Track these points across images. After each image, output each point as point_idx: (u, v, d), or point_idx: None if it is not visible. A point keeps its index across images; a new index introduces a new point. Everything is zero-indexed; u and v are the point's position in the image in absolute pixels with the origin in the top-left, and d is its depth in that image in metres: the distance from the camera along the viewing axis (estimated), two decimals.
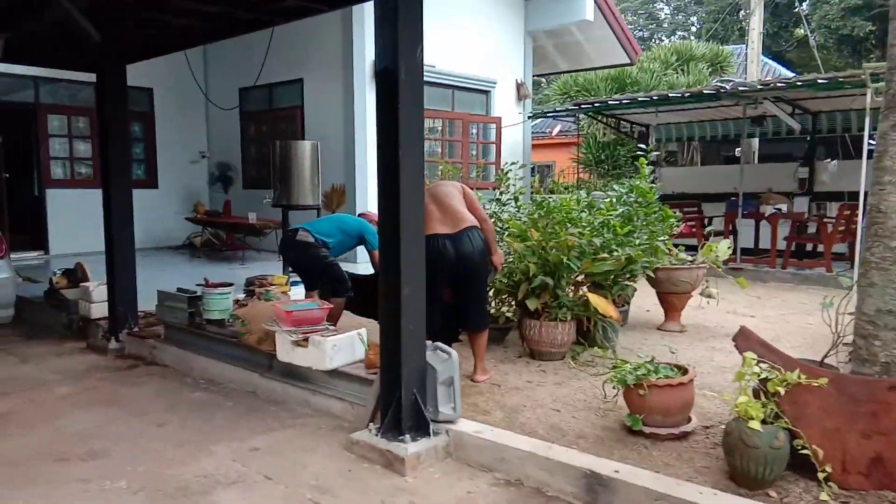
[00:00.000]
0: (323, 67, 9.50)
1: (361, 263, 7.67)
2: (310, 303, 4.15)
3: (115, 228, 5.53)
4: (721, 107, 10.72)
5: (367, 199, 9.28)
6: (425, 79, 10.45)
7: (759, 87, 8.51)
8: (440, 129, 10.04)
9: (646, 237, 5.04)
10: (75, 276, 6.33)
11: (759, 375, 3.06)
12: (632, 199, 5.42)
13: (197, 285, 4.98)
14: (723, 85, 8.28)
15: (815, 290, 8.45)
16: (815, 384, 2.95)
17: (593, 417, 3.82)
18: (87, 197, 9.98)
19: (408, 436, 3.34)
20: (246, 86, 10.62)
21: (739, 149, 14.29)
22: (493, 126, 10.76)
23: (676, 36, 35.09)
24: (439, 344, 3.61)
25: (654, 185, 5.39)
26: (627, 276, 4.89)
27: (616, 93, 18.86)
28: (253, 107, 10.71)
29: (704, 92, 9.03)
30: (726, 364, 4.92)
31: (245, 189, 10.95)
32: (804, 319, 6.60)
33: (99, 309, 5.75)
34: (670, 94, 9.39)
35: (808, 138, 11.17)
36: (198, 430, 3.82)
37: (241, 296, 4.93)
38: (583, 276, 4.86)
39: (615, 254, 4.75)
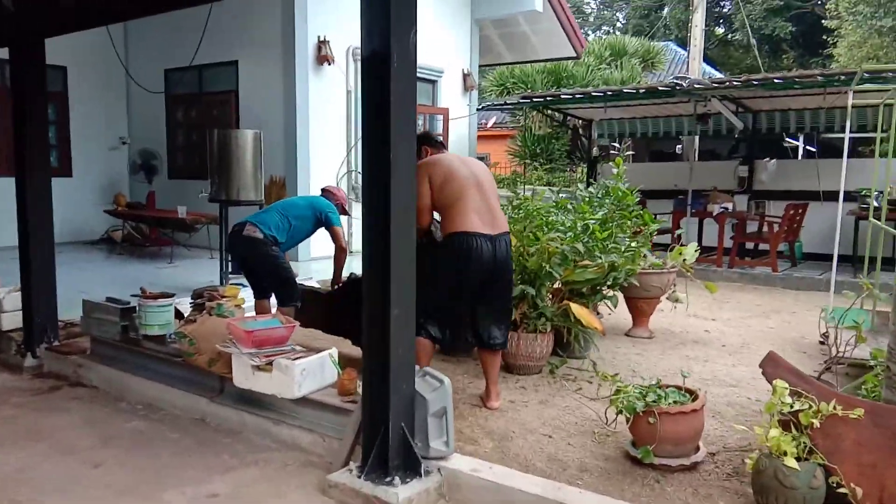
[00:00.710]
0: (260, 48, 8.82)
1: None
2: (271, 319, 3.65)
3: (31, 225, 4.82)
4: (666, 103, 10.68)
5: (309, 190, 8.71)
6: None
7: (716, 84, 8.43)
8: None
9: (627, 242, 4.76)
10: None
11: (791, 406, 2.80)
12: (606, 202, 5.14)
13: (132, 296, 4.37)
14: (679, 81, 8.16)
15: (763, 289, 8.50)
16: (852, 416, 2.71)
17: (590, 444, 3.51)
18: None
19: (396, 477, 2.92)
20: (173, 67, 9.80)
21: (680, 146, 14.47)
22: (441, 117, 10.34)
23: (602, 31, 35.57)
24: (428, 369, 3.20)
25: (629, 188, 5.11)
26: (608, 284, 4.60)
27: (552, 86, 18.79)
28: (181, 90, 9.90)
29: (660, 88, 8.90)
30: (707, 376, 4.73)
31: (171, 179, 10.13)
32: (764, 323, 6.54)
33: (10, 319, 5.02)
34: (625, 90, 9.25)
35: (745, 137, 11.29)
36: (141, 471, 3.27)
37: (185, 308, 4.36)
38: (560, 285, 4.54)
39: (598, 260, 4.45)
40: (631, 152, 18.97)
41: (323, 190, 5.01)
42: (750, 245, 10.07)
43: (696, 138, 12.73)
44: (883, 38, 16.02)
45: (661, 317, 6.09)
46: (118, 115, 10.54)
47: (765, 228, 9.74)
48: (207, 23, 8.30)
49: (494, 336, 3.88)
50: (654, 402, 3.16)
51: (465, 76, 10.88)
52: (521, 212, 4.83)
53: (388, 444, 2.96)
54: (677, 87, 8.18)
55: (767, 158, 11.23)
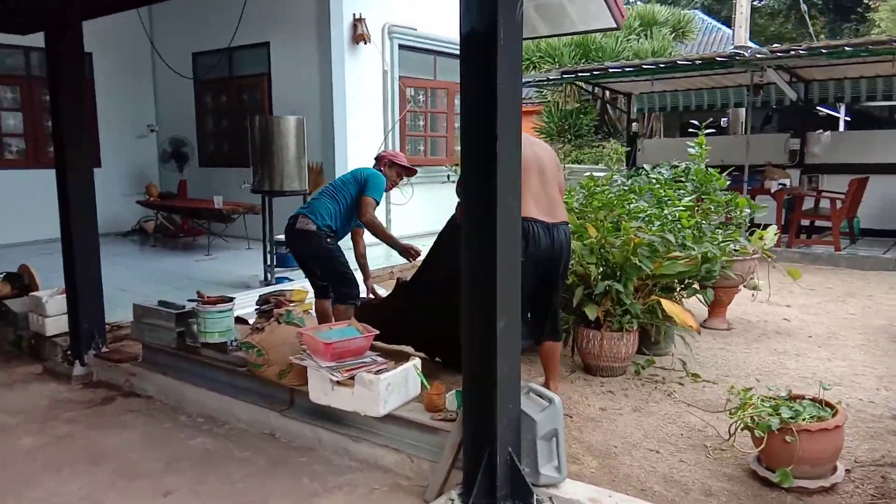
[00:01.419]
0: (293, 29, 8.44)
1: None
2: (349, 328, 3.33)
3: (75, 223, 4.54)
4: (714, 75, 10.19)
5: None
6: (406, 43, 9.60)
7: (780, 54, 7.92)
8: (424, 99, 9.14)
9: (713, 230, 4.38)
10: (21, 281, 5.28)
11: None
12: (687, 186, 4.75)
13: (189, 300, 4.07)
14: (740, 52, 7.68)
15: (827, 269, 8.06)
16: None
17: (706, 461, 3.16)
18: (20, 179, 8.76)
19: None
20: (201, 50, 9.45)
21: (726, 119, 13.92)
22: None
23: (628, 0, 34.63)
24: (534, 385, 2.86)
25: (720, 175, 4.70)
26: (701, 277, 4.22)
27: (581, 59, 18.23)
28: (210, 74, 9.54)
29: (717, 59, 8.41)
30: (804, 373, 4.36)
31: (202, 167, 9.83)
32: (843, 308, 6.14)
33: (55, 324, 4.76)
34: (679, 62, 8.76)
35: (781, 109, 10.75)
36: (216, 499, 2.98)
37: (245, 315, 4.05)
38: (647, 279, 4.17)
39: (690, 252, 4.08)
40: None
41: (376, 157, 4.65)
42: (805, 222, 9.61)
43: (743, 111, 12.21)
44: None
45: (734, 305, 5.71)
46: (145, 102, 10.22)
47: (822, 204, 9.28)
48: (245, 5, 7.93)
49: (555, 327, 3.76)
50: (790, 418, 2.80)
51: None
52: (593, 199, 4.46)
53: (494, 470, 2.64)
54: (737, 58, 7.70)
55: (821, 130, 10.71)
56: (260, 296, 3.71)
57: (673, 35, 20.17)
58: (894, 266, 7.86)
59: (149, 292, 6.01)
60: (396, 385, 3.13)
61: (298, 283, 6.25)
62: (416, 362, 3.26)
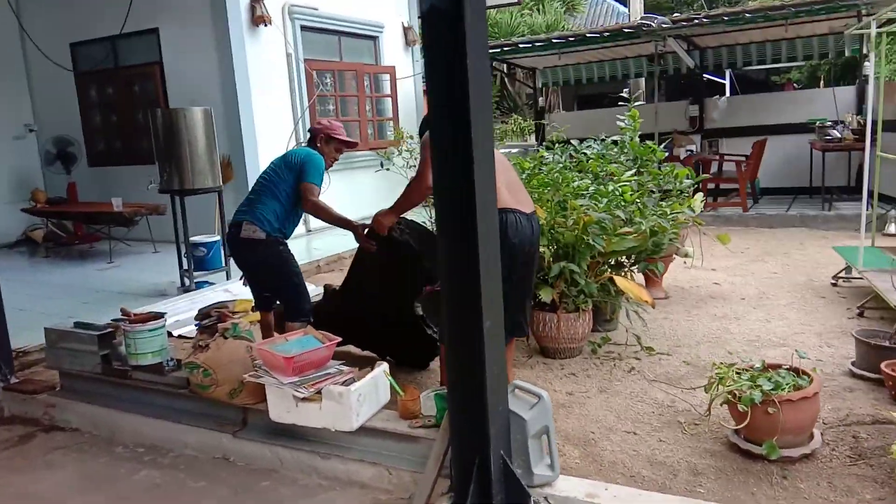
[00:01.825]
0: (185, 13, 7.83)
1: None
2: (307, 339, 3.06)
3: None
4: (617, 46, 10.36)
5: (259, 169, 7.90)
6: (308, 24, 9.16)
7: (702, 20, 8.06)
8: (332, 82, 8.76)
9: (666, 204, 4.38)
10: None
11: None
12: (622, 159, 4.73)
13: (115, 320, 3.66)
14: (648, 21, 7.79)
15: (738, 230, 8.34)
16: None
17: (684, 438, 3.14)
18: None
19: None
20: (81, 39, 8.64)
21: (627, 90, 14.23)
22: (387, 77, 9.63)
23: None
24: (519, 382, 2.73)
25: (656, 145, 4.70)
26: (651, 251, 4.22)
27: None
28: (92, 65, 8.75)
29: (624, 30, 8.51)
30: (750, 336, 4.47)
31: (92, 167, 9.04)
32: (764, 267, 6.38)
33: None
34: (588, 35, 8.80)
35: (697, 75, 11.13)
36: None
37: (188, 330, 3.68)
38: (598, 257, 4.12)
39: (640, 227, 4.05)
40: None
41: (310, 130, 4.12)
42: (710, 186, 9.99)
43: (643, 80, 12.52)
44: None
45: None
46: (19, 98, 9.25)
47: (725, 167, 9.67)
48: None
49: (522, 323, 3.47)
50: (771, 389, 2.80)
51: (406, 30, 10.16)
52: (533, 179, 4.35)
53: (488, 476, 2.48)
54: (644, 28, 7.82)
55: (717, 96, 11.15)
56: (199, 310, 3.36)
57: (564, 9, 20.51)
58: (799, 222, 8.28)
59: (53, 310, 5.46)
60: (367, 394, 2.91)
61: (221, 288, 5.86)
62: (384, 367, 3.05)
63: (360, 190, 9.20)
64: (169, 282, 6.12)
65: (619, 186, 4.21)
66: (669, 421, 3.32)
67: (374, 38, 9.64)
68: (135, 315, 3.55)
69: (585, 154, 4.97)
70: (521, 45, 9.54)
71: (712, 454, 2.98)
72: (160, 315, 3.54)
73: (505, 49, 9.84)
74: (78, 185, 8.75)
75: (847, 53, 10.30)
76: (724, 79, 17.80)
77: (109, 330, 3.69)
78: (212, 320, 3.22)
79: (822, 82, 17.82)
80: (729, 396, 2.90)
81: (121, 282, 6.48)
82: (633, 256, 4.29)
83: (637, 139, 4.75)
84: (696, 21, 8.02)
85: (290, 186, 3.82)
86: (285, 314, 3.86)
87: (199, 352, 3.16)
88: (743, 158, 8.95)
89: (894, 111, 8.84)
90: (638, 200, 4.34)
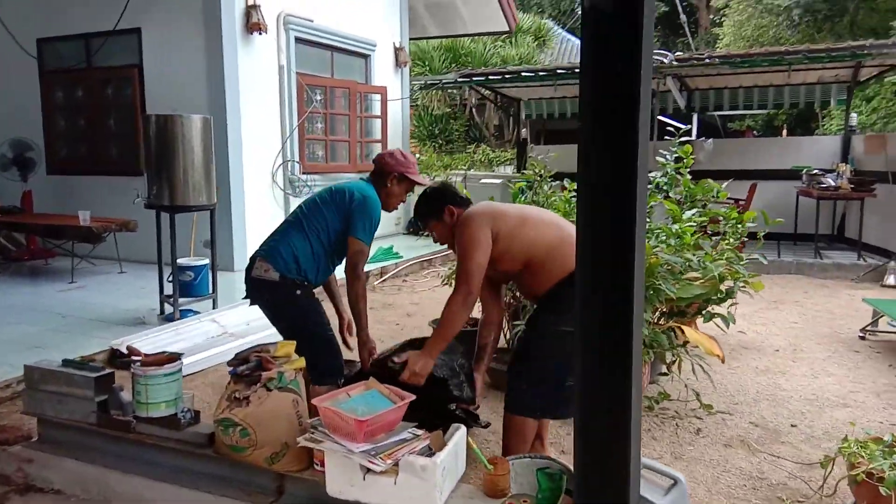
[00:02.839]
0: (173, 14, 7.24)
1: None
2: (373, 394, 2.56)
3: None
4: None
5: (244, 188, 7.35)
6: (303, 36, 8.66)
7: (713, 59, 7.95)
8: (322, 99, 8.26)
9: (727, 248, 4.06)
10: None
11: None
12: (675, 196, 4.41)
13: (122, 357, 3.08)
14: (659, 58, 7.61)
15: None
16: None
17: None
18: None
19: None
20: (50, 35, 7.92)
21: None
22: (378, 98, 9.19)
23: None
24: (648, 462, 2.29)
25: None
26: (718, 299, 3.88)
27: (450, 64, 18.01)
28: (61, 64, 8.03)
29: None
30: (805, 393, 4.16)
31: (51, 175, 8.25)
32: (782, 316, 6.17)
33: None
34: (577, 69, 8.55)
35: (687, 115, 11.12)
36: None
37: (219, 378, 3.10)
38: (663, 304, 3.76)
39: (710, 272, 3.71)
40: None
41: (376, 161, 3.36)
42: None
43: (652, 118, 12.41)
44: (771, 17, 16.62)
45: None
46: None
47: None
48: None
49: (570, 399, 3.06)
50: None
51: (398, 51, 9.77)
52: None
53: None
54: (659, 64, 7.64)
55: (704, 138, 11.12)
56: (236, 354, 2.81)
57: (535, 43, 20.55)
58: (795, 269, 8.18)
59: (14, 337, 4.80)
60: (449, 467, 2.43)
61: (209, 318, 5.26)
62: (462, 432, 2.57)
63: None
64: (148, 308, 5.46)
65: (683, 227, 3.87)
66: (768, 497, 2.94)
67: (366, 57, 9.21)
68: (145, 356, 2.97)
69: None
70: (524, 74, 9.26)
71: None
72: (177, 357, 2.97)
73: (491, 77, 9.57)
74: (35, 195, 7.95)
75: (832, 104, 10.44)
76: (684, 123, 18.02)
77: (108, 372, 3.09)
78: (250, 366, 2.68)
79: (784, 131, 18.28)
80: (862, 476, 2.54)
81: (89, 306, 5.77)
82: (695, 305, 3.93)
83: (689, 177, 4.44)
84: (707, 60, 7.90)
85: (331, 227, 3.18)
86: (311, 377, 3.18)
87: (235, 405, 2.61)
88: (741, 201, 8.83)
89: (883, 162, 8.91)
90: (694, 243, 4.00)
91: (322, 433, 2.43)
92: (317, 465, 2.60)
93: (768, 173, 10.08)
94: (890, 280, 7.37)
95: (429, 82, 11.51)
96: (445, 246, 3.13)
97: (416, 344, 3.23)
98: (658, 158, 4.79)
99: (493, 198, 4.76)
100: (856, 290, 7.17)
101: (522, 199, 4.40)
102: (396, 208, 3.36)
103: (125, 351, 4.36)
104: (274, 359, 2.74)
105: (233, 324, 5.35)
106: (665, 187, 4.47)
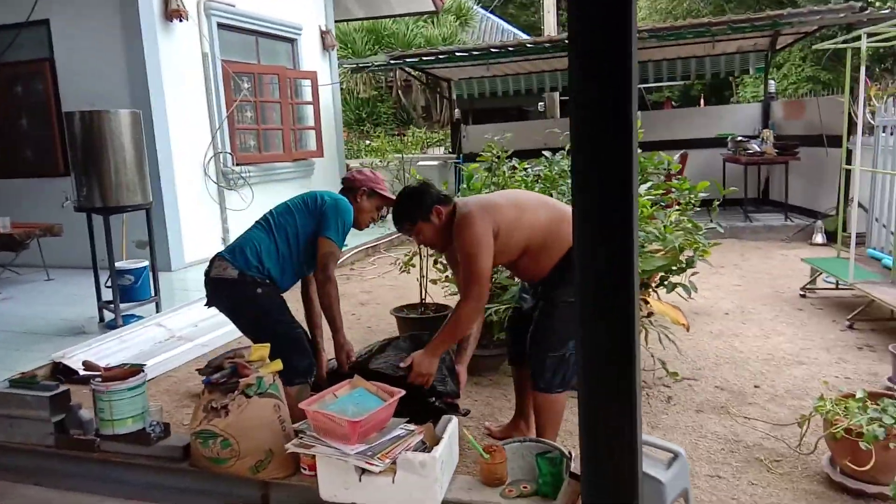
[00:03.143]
0: (84, 3, 6.78)
1: None
2: (360, 393, 2.47)
3: None
4: (537, 59, 10.26)
5: (175, 183, 7.01)
6: (225, 21, 8.27)
7: (641, 33, 8.03)
8: (250, 86, 7.94)
9: (685, 218, 4.13)
10: None
11: None
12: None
13: (79, 376, 2.87)
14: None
15: None
16: None
17: (774, 479, 2.84)
18: None
19: None
20: None
21: (542, 103, 14.24)
22: (308, 83, 8.92)
23: None
24: (647, 437, 2.29)
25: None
26: (679, 269, 3.94)
27: (373, 45, 17.73)
28: None
29: (552, 43, 8.36)
30: (761, 354, 4.31)
31: None
32: (724, 280, 6.37)
33: None
34: (528, 45, 8.56)
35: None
36: None
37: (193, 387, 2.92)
38: None
39: (670, 243, 3.76)
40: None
41: (344, 180, 3.35)
42: None
43: (557, 94, 12.56)
44: None
45: None
46: None
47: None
48: None
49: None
50: (894, 423, 2.55)
51: (324, 34, 9.50)
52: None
53: None
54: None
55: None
56: (209, 362, 2.65)
57: (458, 22, 20.44)
58: (729, 234, 8.45)
59: None
60: (447, 460, 2.38)
61: (154, 322, 5.01)
62: (454, 423, 2.52)
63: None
64: (86, 316, 5.14)
65: (639, 201, 3.91)
66: (747, 459, 3.01)
67: (292, 41, 8.91)
68: (106, 369, 2.78)
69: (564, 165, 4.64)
70: (457, 54, 9.17)
71: (818, 497, 2.69)
72: (139, 368, 2.79)
73: (424, 59, 9.44)
74: None
75: (751, 71, 10.81)
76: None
77: (63, 389, 2.88)
78: (225, 374, 2.54)
79: (702, 101, 18.89)
80: (841, 432, 2.63)
81: (20, 318, 5.39)
82: (656, 276, 3.99)
83: (639, 150, 4.48)
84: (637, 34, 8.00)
85: (301, 231, 3.11)
86: (279, 376, 2.90)
87: (214, 416, 2.47)
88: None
89: (803, 126, 9.31)
90: (649, 214, 4.05)
91: (311, 437, 2.34)
92: (304, 469, 2.50)
93: (695, 142, 10.38)
94: (818, 238, 7.72)
95: (360, 65, 11.23)
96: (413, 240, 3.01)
97: (392, 344, 3.15)
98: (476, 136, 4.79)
99: (430, 179, 4.70)
100: (788, 250, 7.49)
101: (478, 182, 4.35)
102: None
103: (74, 366, 4.13)
104: (249, 363, 2.60)
105: (180, 326, 5.12)
106: None
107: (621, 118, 1.63)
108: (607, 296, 1.86)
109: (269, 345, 2.70)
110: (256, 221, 3.26)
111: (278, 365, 2.64)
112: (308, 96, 8.93)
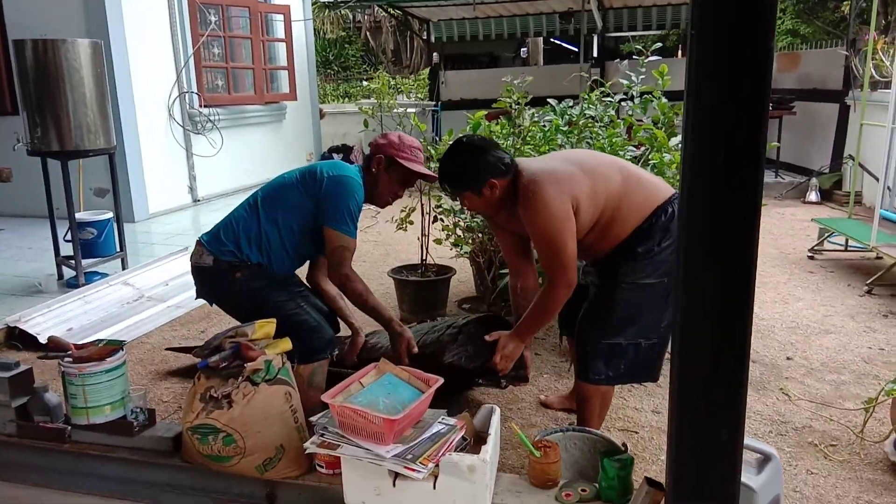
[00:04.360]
0: None
1: None
2: (389, 379, 2.09)
3: None
4: (521, 1, 9.73)
5: (137, 125, 6.41)
6: None
7: None
8: (217, 20, 7.26)
9: None
10: None
11: None
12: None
13: (45, 355, 2.42)
14: None
15: None
16: None
17: (833, 467, 2.59)
18: None
19: None
20: None
21: (525, 49, 13.67)
22: (281, 19, 8.24)
23: None
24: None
25: None
26: None
27: None
28: None
29: None
30: (784, 321, 4.07)
31: None
32: None
33: None
34: None
35: (601, 36, 10.84)
36: None
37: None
38: None
39: None
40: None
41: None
42: None
43: (541, 40, 12.04)
44: None
45: None
46: None
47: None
48: None
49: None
50: None
51: None
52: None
53: None
54: None
55: (618, 60, 10.91)
56: (207, 342, 2.23)
57: None
58: None
59: None
60: (493, 460, 2.03)
61: (120, 281, 4.53)
62: (497, 413, 2.17)
63: (252, 151, 7.90)
64: (44, 274, 4.62)
65: (675, 156, 3.55)
66: (800, 443, 2.75)
67: None
68: (77, 347, 2.34)
69: (588, 115, 4.25)
70: None
71: (886, 487, 2.44)
72: (118, 346, 2.35)
73: None
74: None
75: None
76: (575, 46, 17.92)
77: (25, 369, 2.44)
78: (225, 356, 2.12)
79: (679, 51, 18.48)
80: None
81: None
82: None
83: (664, 100, 4.11)
84: None
85: (296, 214, 2.60)
86: (296, 356, 2.55)
87: (214, 407, 2.07)
88: None
89: (796, 80, 9.04)
90: None
91: (336, 435, 1.96)
92: (321, 466, 2.13)
93: (679, 94, 10.06)
94: (812, 197, 7.52)
95: (336, 0, 10.52)
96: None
97: (462, 332, 2.72)
98: (622, 80, 4.42)
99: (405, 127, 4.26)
100: (783, 208, 7.28)
101: (491, 131, 3.94)
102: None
103: (33, 331, 3.67)
104: (253, 343, 2.19)
105: (150, 286, 4.65)
106: (633, 113, 4.12)
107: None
108: (721, 282, 1.51)
109: (274, 320, 2.29)
110: (245, 199, 2.75)
111: (287, 344, 2.24)
112: (280, 33, 8.27)
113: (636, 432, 2.85)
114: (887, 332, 3.86)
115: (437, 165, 2.55)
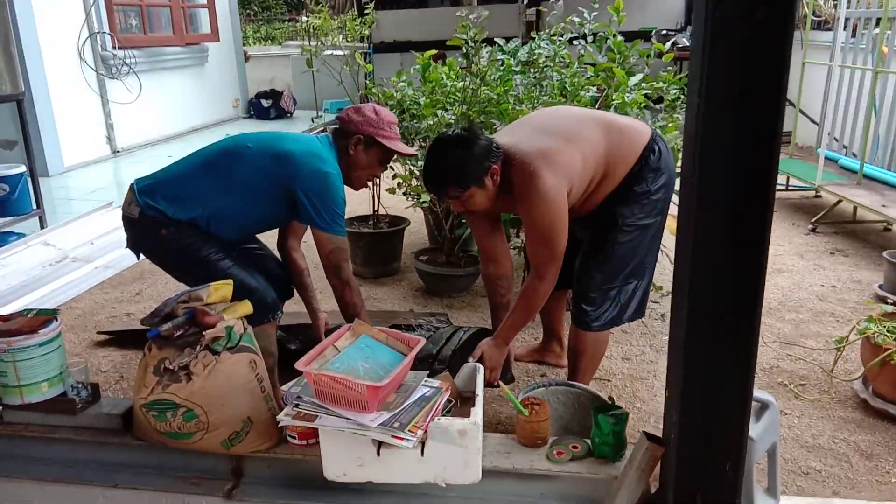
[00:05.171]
0: None
1: None
2: (366, 341, 1.92)
3: None
4: None
5: (45, 69, 5.84)
6: None
7: None
8: None
9: (673, 118, 3.71)
10: None
11: None
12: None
13: None
14: None
15: None
16: None
17: (806, 407, 2.63)
18: None
19: None
20: None
21: None
22: None
23: None
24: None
25: None
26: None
27: None
28: None
29: None
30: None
31: None
32: None
33: None
34: None
35: None
36: None
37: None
38: None
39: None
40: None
41: (338, 118, 2.43)
42: None
43: None
44: None
45: None
46: None
47: None
48: None
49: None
50: None
51: None
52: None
53: None
54: None
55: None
56: (156, 309, 1.97)
57: None
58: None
59: None
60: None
61: (39, 241, 4.15)
62: (481, 370, 2.04)
63: (174, 97, 7.40)
64: None
65: (638, 96, 3.43)
66: (769, 384, 2.77)
67: None
68: (3, 319, 2.06)
69: (541, 51, 4.09)
70: None
71: (859, 425, 2.47)
72: (51, 316, 2.09)
73: None
74: None
75: None
76: None
77: None
78: (179, 323, 1.90)
79: None
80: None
81: None
82: None
83: (620, 38, 3.97)
84: None
85: (257, 195, 2.30)
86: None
87: (171, 380, 1.86)
88: None
89: None
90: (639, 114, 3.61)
91: (312, 404, 1.79)
92: (292, 437, 1.97)
93: (620, 35, 9.97)
94: None
95: None
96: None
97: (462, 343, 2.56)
98: (574, 18, 4.26)
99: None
100: None
101: (433, 73, 3.73)
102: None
103: None
104: (209, 307, 1.98)
105: (73, 245, 4.28)
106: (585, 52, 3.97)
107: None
108: (738, 227, 1.41)
109: (230, 281, 2.07)
110: (191, 156, 2.42)
111: (247, 307, 2.03)
112: None
113: (608, 380, 2.80)
114: (836, 269, 3.94)
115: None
